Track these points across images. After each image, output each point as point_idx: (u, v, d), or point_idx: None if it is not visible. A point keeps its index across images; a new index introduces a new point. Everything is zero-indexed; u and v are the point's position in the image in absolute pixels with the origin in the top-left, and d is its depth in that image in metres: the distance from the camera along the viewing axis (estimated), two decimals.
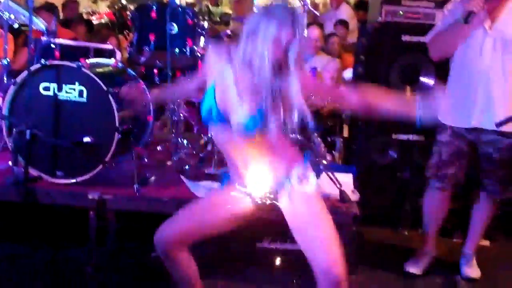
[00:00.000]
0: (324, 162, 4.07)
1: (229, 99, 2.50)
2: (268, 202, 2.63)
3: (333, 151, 4.83)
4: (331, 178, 3.96)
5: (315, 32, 5.72)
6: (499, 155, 3.71)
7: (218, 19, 9.75)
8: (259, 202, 2.64)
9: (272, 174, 2.60)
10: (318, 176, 4.00)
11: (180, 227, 2.75)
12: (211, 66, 2.60)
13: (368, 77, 4.78)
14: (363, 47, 4.89)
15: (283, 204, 2.62)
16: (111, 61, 4.29)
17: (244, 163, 2.58)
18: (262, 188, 2.61)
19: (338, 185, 3.93)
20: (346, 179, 4.04)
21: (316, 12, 4.87)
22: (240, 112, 2.45)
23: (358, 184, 4.13)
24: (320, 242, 2.59)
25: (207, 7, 9.48)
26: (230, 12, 11.22)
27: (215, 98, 2.52)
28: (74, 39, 5.54)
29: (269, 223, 3.97)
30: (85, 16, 8.72)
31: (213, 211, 2.72)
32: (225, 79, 2.51)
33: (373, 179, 4.65)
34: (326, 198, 3.90)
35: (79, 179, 3.83)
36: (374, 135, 4.68)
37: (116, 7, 9.20)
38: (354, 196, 3.94)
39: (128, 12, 8.58)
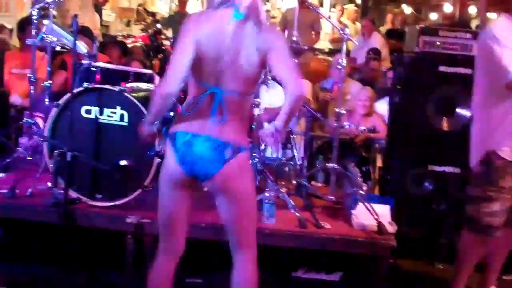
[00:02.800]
0: (361, 192, 4.06)
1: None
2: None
3: (368, 181, 4.81)
4: (368, 209, 3.95)
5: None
6: None
7: None
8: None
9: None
10: (355, 207, 4.01)
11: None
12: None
13: (404, 107, 4.77)
14: (400, 77, 4.89)
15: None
16: (150, 85, 4.33)
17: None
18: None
19: (376, 216, 3.91)
20: (383, 211, 4.02)
21: (354, 41, 4.88)
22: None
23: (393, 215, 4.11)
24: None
25: None
26: None
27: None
28: (109, 62, 5.61)
29: (304, 253, 3.99)
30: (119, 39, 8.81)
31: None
32: None
33: (408, 211, 4.60)
34: (363, 229, 3.91)
35: (118, 202, 3.85)
36: (409, 166, 4.64)
37: (150, 30, 9.28)
38: (391, 228, 3.92)
39: (162, 36, 8.65)
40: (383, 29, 11.31)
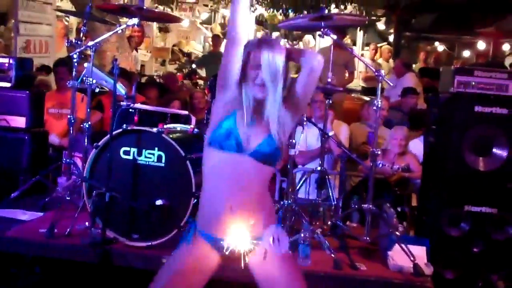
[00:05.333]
0: (397, 233, 4.04)
1: (247, 125, 2.61)
2: (237, 254, 2.64)
3: (403, 222, 4.77)
4: (404, 250, 3.92)
5: (384, 102, 5.76)
6: None
7: None
8: (227, 252, 2.65)
9: (251, 228, 2.61)
10: (390, 248, 3.98)
11: None
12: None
13: (440, 147, 4.75)
14: (435, 116, 4.88)
15: (254, 260, 2.64)
16: (188, 126, 4.40)
17: (231, 208, 2.61)
18: (238, 239, 2.61)
19: (412, 258, 3.88)
20: (420, 252, 3.98)
21: (390, 82, 4.89)
22: (257, 138, 2.61)
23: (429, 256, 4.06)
24: None
25: None
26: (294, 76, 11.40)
27: (236, 123, 2.61)
28: (145, 103, 5.72)
29: None
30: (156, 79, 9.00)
31: (184, 279, 2.72)
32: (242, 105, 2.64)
33: (444, 252, 4.54)
34: (399, 271, 3.88)
35: (154, 242, 3.89)
36: (445, 206, 4.60)
37: (185, 70, 9.47)
38: (428, 270, 3.88)
39: (197, 76, 8.80)
40: (416, 67, 11.32)
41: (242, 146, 2.60)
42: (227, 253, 2.66)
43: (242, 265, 2.66)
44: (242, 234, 2.61)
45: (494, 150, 4.55)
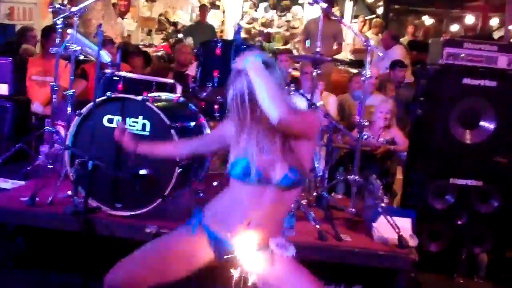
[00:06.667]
0: (383, 205, 4.02)
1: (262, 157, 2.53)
2: (235, 262, 2.60)
3: (388, 194, 4.77)
4: (389, 222, 3.91)
5: (373, 71, 5.72)
6: None
7: (270, 54, 9.86)
8: (226, 259, 2.61)
9: (261, 240, 2.58)
10: (375, 219, 3.97)
11: (134, 272, 2.70)
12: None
13: (427, 119, 4.73)
14: (423, 89, 4.85)
15: (260, 268, 2.59)
16: (173, 95, 4.34)
17: (248, 223, 2.57)
18: (244, 249, 2.58)
19: (397, 230, 3.87)
20: (404, 224, 3.97)
21: (379, 52, 4.84)
22: (279, 170, 2.51)
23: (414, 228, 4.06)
24: None
25: (261, 42, 9.60)
26: (282, 47, 11.34)
27: (251, 159, 2.53)
28: (130, 72, 5.64)
29: (324, 265, 3.95)
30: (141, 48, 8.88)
31: (172, 260, 2.69)
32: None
33: (429, 224, 4.54)
34: (384, 243, 3.87)
35: (138, 212, 3.85)
36: (431, 179, 4.59)
37: (171, 40, 9.35)
38: (412, 241, 3.87)
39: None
40: (404, 40, 11.26)
41: (265, 179, 2.53)
42: (225, 254, 2.62)
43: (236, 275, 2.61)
44: (249, 246, 2.57)
45: (482, 122, 4.54)
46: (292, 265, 2.62)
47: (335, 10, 11.84)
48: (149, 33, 12.47)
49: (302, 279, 2.61)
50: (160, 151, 3.09)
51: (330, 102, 6.21)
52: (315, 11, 8.12)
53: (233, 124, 2.60)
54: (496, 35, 11.65)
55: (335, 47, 8.10)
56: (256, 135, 2.53)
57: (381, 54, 5.22)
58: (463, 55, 4.55)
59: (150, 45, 10.06)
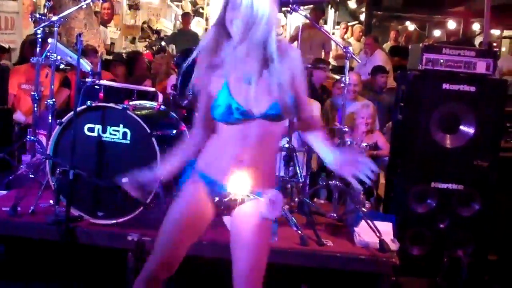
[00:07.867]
0: (364, 209, 4.05)
1: (246, 91, 2.47)
2: (231, 202, 2.58)
3: (371, 199, 4.80)
4: (370, 227, 3.93)
5: (353, 77, 5.76)
6: None
7: None
8: (222, 198, 2.58)
9: (253, 181, 2.54)
10: (357, 224, 3.99)
11: (155, 258, 2.67)
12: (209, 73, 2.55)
13: (407, 124, 4.77)
14: (403, 94, 4.89)
15: (238, 213, 2.59)
16: (154, 103, 4.35)
17: (239, 163, 2.52)
18: (238, 187, 2.54)
19: (378, 234, 3.89)
20: (386, 228, 4.00)
21: (357, 59, 4.89)
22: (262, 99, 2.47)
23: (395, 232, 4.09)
24: (249, 270, 2.57)
25: None
26: None
27: (231, 95, 2.48)
28: (112, 80, 5.63)
29: (306, 270, 3.97)
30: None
31: (189, 223, 2.64)
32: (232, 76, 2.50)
33: (411, 228, 4.57)
34: (365, 247, 3.90)
35: (119, 220, 3.85)
36: (412, 183, 4.62)
37: (155, 48, 9.35)
38: (394, 246, 3.90)
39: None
40: (386, 46, 11.34)
41: (248, 114, 2.48)
42: (222, 198, 2.58)
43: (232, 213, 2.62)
44: (243, 185, 2.56)
45: (461, 127, 4.58)
46: (263, 231, 2.62)
47: None
48: (132, 41, 12.47)
49: (260, 250, 2.61)
50: (182, 160, 2.77)
51: (313, 109, 6.25)
52: (298, 19, 8.14)
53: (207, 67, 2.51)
54: (478, 40, 11.77)
55: (323, 55, 8.18)
56: (240, 64, 2.45)
57: (360, 61, 5.26)
58: (442, 60, 4.59)
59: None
